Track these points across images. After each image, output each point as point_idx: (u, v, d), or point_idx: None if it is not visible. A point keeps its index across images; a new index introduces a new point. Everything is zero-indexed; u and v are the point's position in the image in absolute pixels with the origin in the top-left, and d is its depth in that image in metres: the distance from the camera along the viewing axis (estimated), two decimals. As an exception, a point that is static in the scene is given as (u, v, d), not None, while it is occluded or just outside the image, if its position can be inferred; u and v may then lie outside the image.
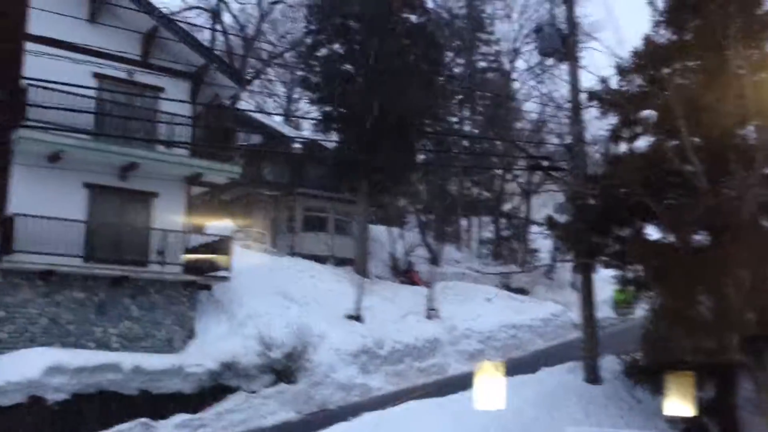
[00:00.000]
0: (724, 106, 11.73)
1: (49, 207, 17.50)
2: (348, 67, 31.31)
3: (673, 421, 12.17)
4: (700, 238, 13.91)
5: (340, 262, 30.97)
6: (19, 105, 17.49)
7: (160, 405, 16.58)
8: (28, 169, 17.77)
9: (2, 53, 17.92)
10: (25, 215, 17.15)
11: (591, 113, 17.87)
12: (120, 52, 19.38)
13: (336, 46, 31.52)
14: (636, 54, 14.58)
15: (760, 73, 11.72)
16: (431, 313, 25.21)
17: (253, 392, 18.10)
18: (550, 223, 17.50)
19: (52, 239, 17.35)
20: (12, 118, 17.48)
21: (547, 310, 29.13)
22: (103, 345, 17.97)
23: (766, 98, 10.90)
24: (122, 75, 19.72)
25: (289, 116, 44.21)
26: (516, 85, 43.50)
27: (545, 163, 18.92)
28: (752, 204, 11.44)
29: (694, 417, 11.82)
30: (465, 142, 40.12)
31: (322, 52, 32.16)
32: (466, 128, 43.75)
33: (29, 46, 18.05)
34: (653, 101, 13.44)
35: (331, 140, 34.73)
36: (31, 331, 17.22)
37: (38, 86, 16.72)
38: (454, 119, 42.30)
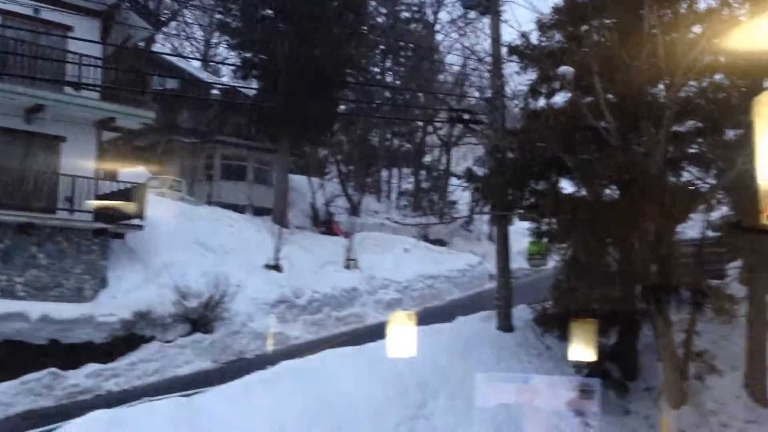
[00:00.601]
0: (637, 64, 12.05)
1: (-54, 149, 16.51)
2: (268, 12, 30.46)
3: (578, 366, 12.75)
4: (611, 192, 14.43)
5: (259, 211, 30.62)
6: None
7: (70, 355, 16.11)
8: None
9: None
10: None
11: (511, 68, 18.05)
12: (25, -14, 18.22)
13: (257, -11, 30.55)
14: (556, 10, 14.75)
15: (672, 33, 12.05)
16: (350, 263, 25.35)
17: (169, 342, 17.84)
18: (469, 176, 17.74)
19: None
20: None
21: (464, 261, 29.77)
22: (8, 294, 17.23)
23: (676, 58, 11.24)
24: (28, 12, 18.55)
25: (207, 61, 42.84)
26: (439, 37, 43.48)
27: (465, 116, 19.05)
28: (659, 160, 11.89)
29: (598, 361, 12.45)
30: (387, 93, 39.98)
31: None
32: (389, 79, 43.54)
33: None
34: (571, 58, 13.66)
35: (250, 87, 33.92)
36: (-70, 280, 16.39)
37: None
38: (377, 70, 42.01)
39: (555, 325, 13.75)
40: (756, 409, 11.91)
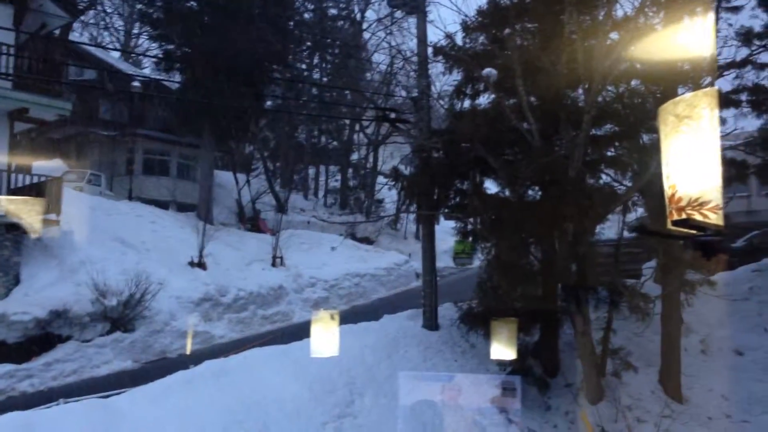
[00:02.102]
0: (557, 68, 12.40)
1: None
2: (192, 3, 29.84)
3: (502, 363, 13.03)
4: (533, 192, 14.80)
5: (183, 207, 29.98)
6: None
7: (-20, 356, 15.40)
8: None
9: None
10: None
11: (437, 68, 18.26)
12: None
13: (180, -20, 29.88)
14: (480, 13, 15.00)
15: (591, 39, 12.45)
16: (276, 261, 25.13)
17: (87, 341, 17.24)
18: (396, 175, 17.84)
19: None
20: None
21: (391, 260, 29.96)
22: None
23: (595, 63, 11.62)
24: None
25: (127, 52, 41.60)
26: (366, 35, 43.57)
27: (392, 115, 19.16)
28: (578, 162, 12.26)
29: (521, 359, 12.77)
30: (314, 90, 39.80)
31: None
32: (316, 76, 43.35)
33: None
34: (495, 60, 13.93)
35: (173, 80, 33.12)
36: None
37: None
38: (304, 66, 41.76)
39: (479, 323, 14.00)
40: (670, 404, 12.46)
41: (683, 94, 2.56)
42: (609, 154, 14.66)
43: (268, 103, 34.56)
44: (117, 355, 17.39)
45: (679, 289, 13.14)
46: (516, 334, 11.32)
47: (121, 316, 17.99)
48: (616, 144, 14.43)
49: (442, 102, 18.27)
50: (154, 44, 34.87)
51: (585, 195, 12.54)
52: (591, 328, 12.45)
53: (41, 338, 16.58)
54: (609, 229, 15.38)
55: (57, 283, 18.25)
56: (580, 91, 13.52)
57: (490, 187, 16.60)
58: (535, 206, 13.69)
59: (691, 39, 2.80)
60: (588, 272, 12.29)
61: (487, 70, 13.71)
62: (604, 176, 14.76)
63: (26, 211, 18.09)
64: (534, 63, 12.77)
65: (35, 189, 18.88)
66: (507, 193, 14.86)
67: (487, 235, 15.03)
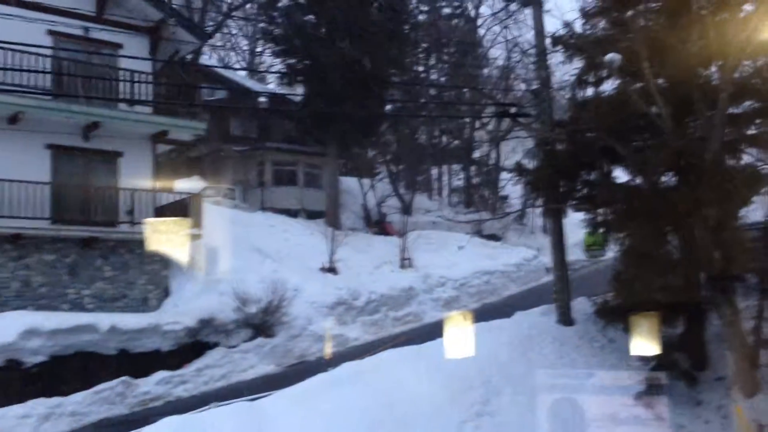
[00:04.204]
0: (687, 47, 11.79)
1: (11, 170, 17.21)
2: (310, 17, 30.77)
3: (644, 358, 12.52)
4: (667, 179, 14.15)
5: (312, 215, 30.95)
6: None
7: (139, 363, 16.63)
8: (-13, 132, 17.36)
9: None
10: (-13, 179, 16.84)
11: (556, 58, 17.85)
12: (74, 8, 18.85)
13: (297, -4, 30.92)
14: (600, -4, 14.52)
15: (722, 13, 11.76)
16: (405, 262, 25.42)
17: (232, 347, 18.22)
18: (520, 170, 17.57)
19: (18, 202, 17.09)
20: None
21: (520, 255, 29.54)
22: (77, 306, 17.91)
23: (728, 38, 10.97)
24: (78, 32, 19.18)
25: (253, 70, 43.48)
26: (481, 31, 43.21)
27: (513, 110, 18.93)
28: (716, 144, 11.61)
29: (665, 353, 12.21)
30: (432, 91, 39.94)
31: (284, 2, 31.52)
32: (433, 77, 43.47)
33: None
34: (617, 44, 13.44)
35: (296, 93, 34.31)
36: (4, 296, 17.09)
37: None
38: (421, 68, 41.98)
39: (617, 317, 13.51)
40: (832, 395, 11.52)
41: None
42: (750, 132, 13.75)
43: (388, 107, 35.01)
44: (260, 359, 18.25)
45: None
46: (658, 328, 10.87)
47: (261, 323, 18.85)
48: (757, 121, 13.52)
49: (563, 92, 17.84)
50: (276, 60, 36.23)
51: (726, 178, 11.84)
52: (740, 317, 11.73)
53: (192, 346, 17.70)
54: (755, 211, 14.41)
55: (202, 293, 19.41)
56: (714, 68, 12.79)
57: (620, 176, 16.01)
58: (670, 193, 13.07)
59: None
60: (734, 259, 11.58)
61: (610, 56, 13.22)
62: (746, 156, 13.86)
63: (172, 228, 19.32)
64: (660, 43, 12.21)
65: (178, 206, 20.16)
66: (638, 181, 14.29)
67: (620, 226, 14.52)
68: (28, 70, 16.76)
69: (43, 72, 17.42)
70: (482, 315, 17.23)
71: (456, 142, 44.00)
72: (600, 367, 13.15)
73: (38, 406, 14.54)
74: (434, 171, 44.93)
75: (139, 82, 19.26)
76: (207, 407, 11.84)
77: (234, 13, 39.58)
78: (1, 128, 17.49)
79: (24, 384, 15.07)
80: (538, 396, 11.47)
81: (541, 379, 12.04)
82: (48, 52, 17.98)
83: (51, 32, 18.46)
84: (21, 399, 14.62)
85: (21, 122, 17.65)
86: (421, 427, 11.25)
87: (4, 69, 16.13)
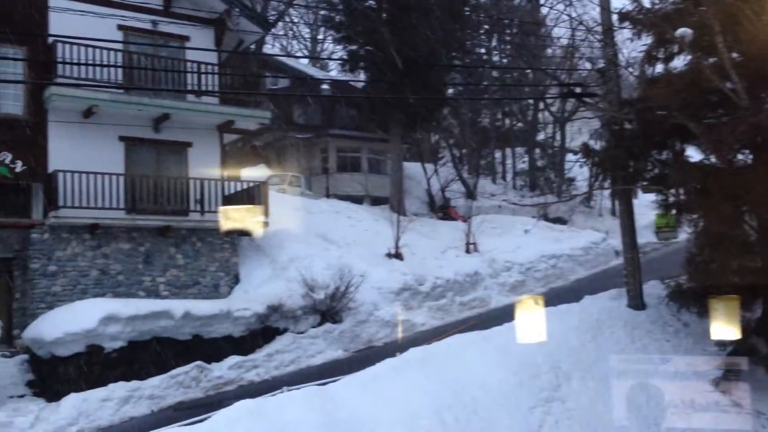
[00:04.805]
0: (762, 19, 11.30)
1: (87, 162, 17.84)
2: (371, 2, 30.75)
3: (721, 343, 12.15)
4: (743, 157, 13.64)
5: (376, 201, 31.10)
6: (48, 62, 17.67)
7: (212, 348, 17.07)
8: (64, 125, 18.03)
9: (28, 12, 18.01)
10: (65, 171, 17.50)
11: (623, 35, 17.39)
12: (143, 2, 19.34)
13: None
14: (670, -31, 14.05)
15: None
16: (470, 247, 25.29)
17: (301, 333, 18.53)
18: (586, 151, 17.25)
19: (94, 193, 17.74)
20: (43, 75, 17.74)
21: (587, 239, 29.01)
22: (152, 293, 18.51)
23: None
24: (147, 26, 19.69)
25: (315, 58, 43.79)
26: (544, 10, 42.31)
27: (578, 90, 18.57)
28: (796, 119, 11.14)
29: (743, 337, 11.83)
30: (495, 73, 39.42)
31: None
32: (495, 58, 42.89)
33: (52, 1, 18.13)
34: (688, 18, 12.99)
35: (359, 80, 34.43)
36: (83, 284, 17.78)
37: (65, 42, 16.92)
38: (483, 50, 41.47)
39: (692, 300, 13.17)
40: None
41: None
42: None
43: (450, 90, 34.77)
44: (328, 345, 18.51)
45: None
46: (735, 311, 10.53)
47: (329, 309, 19.10)
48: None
49: (631, 70, 17.37)
50: (338, 47, 36.41)
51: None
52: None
53: (262, 331, 18.08)
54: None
55: (271, 279, 19.78)
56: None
57: (692, 155, 15.51)
58: (747, 171, 12.61)
59: None
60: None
61: (680, 30, 12.78)
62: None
63: (240, 216, 19.74)
64: (734, 16, 11.74)
65: (245, 194, 20.55)
66: (712, 160, 13.82)
67: (693, 207, 14.12)
68: (101, 65, 17.36)
69: (114, 66, 17.96)
70: (550, 299, 17.01)
71: (519, 124, 43.37)
72: (674, 352, 12.85)
73: (118, 389, 15.11)
74: (498, 154, 44.42)
75: (205, 73, 19.67)
76: (278, 391, 12.07)
77: (295, 1, 39.92)
78: (77, 122, 18.12)
79: (104, 368, 15.67)
80: (610, 382, 11.28)
81: (612, 364, 11.84)
82: (119, 46, 18.54)
83: (121, 27, 19.01)
84: (102, 383, 15.21)
85: (95, 116, 18.26)
86: (490, 412, 11.22)
87: (79, 64, 16.76)
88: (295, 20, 44.31)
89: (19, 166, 17.61)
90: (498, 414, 11.22)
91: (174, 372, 15.91)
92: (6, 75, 17.44)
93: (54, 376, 15.55)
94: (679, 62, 14.78)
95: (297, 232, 21.67)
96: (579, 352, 12.91)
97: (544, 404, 11.62)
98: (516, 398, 11.65)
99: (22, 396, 15.51)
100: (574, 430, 11.41)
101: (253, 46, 26.53)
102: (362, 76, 34.13)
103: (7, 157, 17.48)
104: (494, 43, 42.49)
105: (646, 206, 19.85)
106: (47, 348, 15.60)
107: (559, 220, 33.28)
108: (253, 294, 19.25)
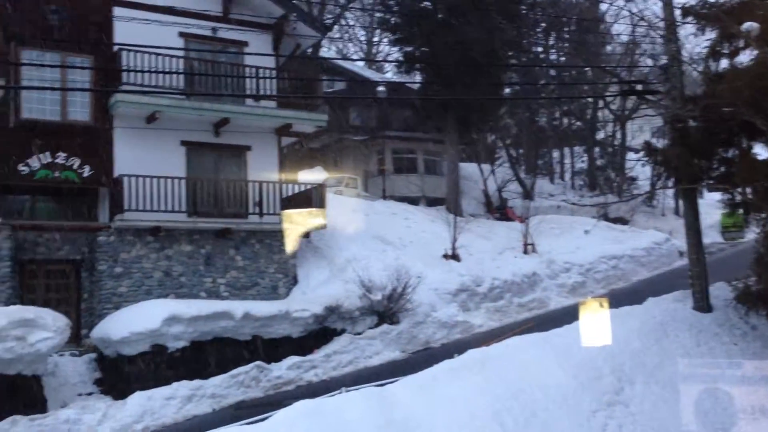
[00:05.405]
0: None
1: (150, 166, 18.34)
2: (426, 3, 30.74)
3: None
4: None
5: (432, 202, 31.05)
6: (114, 70, 18.24)
7: (271, 349, 17.31)
8: (128, 131, 18.59)
9: (96, 22, 18.63)
10: (130, 176, 18.02)
11: (686, 30, 16.94)
12: (203, 10, 19.77)
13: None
14: (735, -38, 13.64)
15: None
16: (528, 248, 25.02)
17: (358, 334, 18.61)
18: (649, 149, 16.86)
19: (157, 197, 18.21)
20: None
21: (650, 239, 28.39)
22: (213, 294, 18.90)
23: None
24: (207, 33, 20.11)
25: (371, 60, 44.01)
26: (603, 6, 41.54)
27: (639, 87, 18.16)
28: None
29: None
30: (552, 72, 38.91)
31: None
32: (553, 57, 42.31)
33: (117, 11, 18.71)
34: (754, 12, 12.57)
35: (414, 81, 34.44)
36: (147, 285, 18.28)
37: (130, 50, 17.44)
38: (540, 49, 40.96)
39: (760, 302, 12.72)
40: None
41: None
42: None
43: (507, 90, 34.46)
44: (386, 346, 18.53)
45: None
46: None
47: (386, 310, 19.14)
48: None
49: (694, 66, 16.90)
50: (394, 49, 36.49)
51: None
52: None
53: (319, 332, 18.24)
54: None
55: (328, 281, 19.95)
56: None
57: (760, 152, 15.00)
58: (819, 169, 12.12)
59: None
60: None
61: (746, 25, 12.39)
62: None
63: (298, 218, 20.01)
64: (804, 8, 11.31)
65: (303, 196, 20.80)
66: (783, 157, 13.34)
67: (762, 206, 13.63)
68: (163, 72, 17.83)
69: (176, 73, 18.42)
70: (611, 301, 16.66)
71: (578, 123, 42.67)
72: (742, 356, 12.41)
73: (182, 388, 15.44)
74: (556, 154, 43.81)
75: (264, 77, 19.98)
76: (337, 392, 12.15)
77: (351, 4, 40.20)
78: (140, 127, 18.64)
79: (168, 367, 16.06)
80: (675, 386, 10.96)
81: (677, 368, 11.49)
82: (180, 53, 19.01)
83: (182, 34, 19.48)
84: (166, 381, 15.58)
85: (158, 121, 18.75)
86: (550, 415, 11.05)
87: (142, 71, 17.24)
88: (351, 23, 44.70)
89: (86, 171, 18.24)
90: (558, 417, 11.03)
91: (234, 372, 16.18)
92: (74, 83, 18.10)
93: (120, 375, 16.02)
94: (745, 57, 14.32)
95: (354, 234, 21.81)
96: (642, 356, 12.60)
97: (607, 408, 11.38)
98: (577, 401, 11.44)
99: (90, 394, 16.01)
100: (638, 434, 11.14)
101: (309, 50, 26.83)
102: (418, 77, 34.15)
103: (76, 163, 18.12)
104: (552, 41, 41.92)
105: (711, 205, 19.33)
106: (114, 347, 16.08)
107: (620, 220, 32.65)
108: (311, 295, 19.45)
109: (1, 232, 16.84)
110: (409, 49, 32.31)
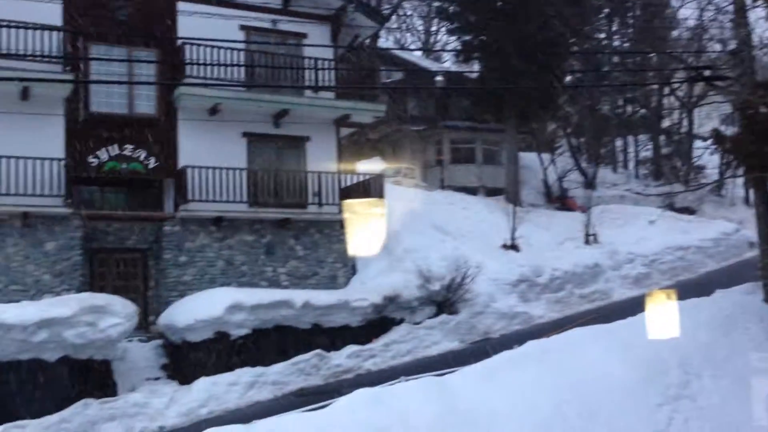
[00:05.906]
0: None
1: (213, 157, 18.70)
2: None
3: None
4: None
5: (491, 192, 30.76)
6: (178, 64, 18.66)
7: (331, 337, 17.47)
8: (191, 123, 18.98)
9: (160, 16, 19.07)
10: (193, 167, 18.43)
11: (757, 14, 16.31)
12: (263, 3, 19.99)
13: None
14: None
15: None
16: (590, 238, 24.58)
17: (417, 324, 18.62)
18: (717, 137, 16.37)
19: (219, 187, 18.57)
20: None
21: (718, 229, 27.53)
22: (274, 283, 19.17)
23: None
24: (267, 25, 20.35)
25: (428, 50, 43.79)
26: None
27: (707, 73, 17.58)
28: None
29: None
30: (616, 58, 37.97)
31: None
32: (616, 43, 41.30)
33: (181, 5, 19.09)
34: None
35: (473, 71, 34.12)
36: (211, 273, 18.67)
37: (193, 44, 17.81)
38: (603, 35, 40.03)
39: (836, 295, 12.21)
40: None
41: None
42: None
43: (568, 78, 33.81)
44: (444, 336, 18.50)
45: None
46: None
47: (444, 300, 19.09)
48: None
49: (766, 51, 16.27)
50: (452, 38, 36.19)
51: None
52: None
53: (378, 322, 18.32)
54: None
55: (387, 271, 19.99)
56: None
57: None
58: None
59: None
60: None
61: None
62: None
63: (357, 208, 20.06)
64: None
65: (361, 187, 20.87)
66: None
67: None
68: (225, 64, 18.13)
69: (237, 65, 18.71)
70: (678, 293, 16.26)
71: (642, 110, 41.58)
72: (818, 351, 11.95)
73: (244, 374, 15.75)
74: (619, 142, 42.81)
75: (322, 69, 20.10)
76: (397, 381, 12.21)
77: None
78: (203, 119, 19.01)
79: (230, 354, 16.40)
80: (746, 380, 10.62)
81: (747, 361, 11.14)
82: (241, 46, 19.28)
83: (243, 27, 19.77)
84: (229, 368, 15.92)
85: (220, 113, 19.09)
86: (613, 408, 10.85)
87: (205, 64, 17.59)
88: (409, 13, 44.50)
89: (152, 163, 18.73)
90: (622, 410, 10.83)
91: (295, 359, 16.41)
92: (139, 77, 18.57)
93: (186, 361, 16.42)
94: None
95: (412, 224, 21.78)
96: (710, 349, 12.26)
97: (672, 402, 11.12)
98: (641, 395, 11.21)
99: (157, 378, 16.47)
100: (706, 429, 10.85)
101: (368, 41, 26.86)
102: (476, 66, 33.80)
103: (142, 154, 18.62)
104: (615, 27, 40.91)
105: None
106: (179, 334, 16.50)
107: (687, 210, 31.73)
108: (369, 285, 19.54)
109: (72, 222, 17.39)
110: (467, 38, 31.98)
